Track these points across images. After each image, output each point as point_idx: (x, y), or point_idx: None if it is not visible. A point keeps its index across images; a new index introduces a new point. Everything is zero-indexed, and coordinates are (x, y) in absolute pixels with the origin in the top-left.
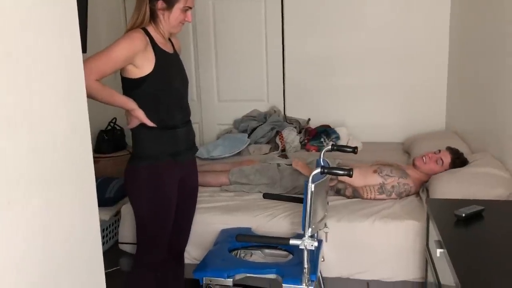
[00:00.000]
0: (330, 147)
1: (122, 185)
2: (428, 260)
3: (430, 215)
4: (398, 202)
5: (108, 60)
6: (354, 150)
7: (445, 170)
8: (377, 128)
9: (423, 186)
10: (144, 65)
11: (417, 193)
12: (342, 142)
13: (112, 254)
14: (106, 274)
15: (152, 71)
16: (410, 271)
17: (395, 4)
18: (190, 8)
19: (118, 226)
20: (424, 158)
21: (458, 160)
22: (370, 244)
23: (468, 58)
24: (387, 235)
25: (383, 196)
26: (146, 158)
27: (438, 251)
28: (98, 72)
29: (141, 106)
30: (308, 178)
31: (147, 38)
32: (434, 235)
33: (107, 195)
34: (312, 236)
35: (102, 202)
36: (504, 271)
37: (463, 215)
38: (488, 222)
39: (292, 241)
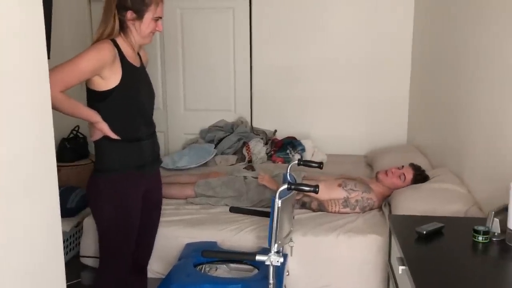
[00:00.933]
0: (296, 162)
1: (84, 195)
2: (390, 275)
3: (393, 231)
4: (362, 216)
5: (74, 71)
6: (320, 165)
7: (407, 185)
8: (341, 141)
9: (385, 201)
10: (110, 78)
11: (379, 207)
12: (307, 154)
13: (72, 266)
14: (67, 287)
15: (118, 84)
16: (373, 286)
17: (360, 19)
18: (160, 17)
19: (79, 237)
20: (387, 173)
21: (420, 176)
22: (335, 258)
23: (430, 74)
24: (351, 249)
25: (347, 209)
26: (109, 170)
27: (400, 268)
28: (63, 83)
29: (105, 118)
30: (275, 193)
31: (116, 50)
32: (396, 251)
33: (69, 205)
34: (278, 252)
35: (64, 212)
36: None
37: (424, 232)
38: (448, 238)
39: (258, 257)
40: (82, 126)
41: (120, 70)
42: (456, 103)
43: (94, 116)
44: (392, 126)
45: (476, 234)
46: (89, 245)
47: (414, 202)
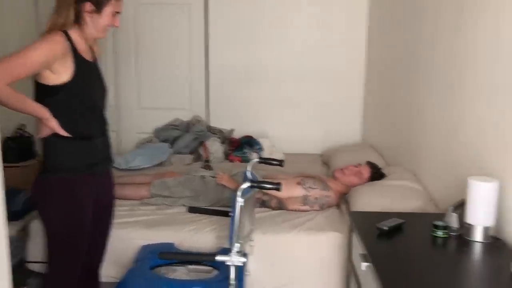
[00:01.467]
0: (257, 159)
1: (29, 197)
2: (351, 273)
3: (354, 228)
4: (320, 214)
5: (23, 64)
6: (281, 163)
7: (364, 183)
8: (297, 140)
9: (343, 198)
10: (61, 72)
11: (337, 205)
12: (265, 153)
13: (18, 272)
14: None
15: (70, 79)
16: (332, 284)
17: (316, 20)
18: (119, 12)
19: (25, 242)
20: (344, 171)
21: (377, 174)
22: (295, 256)
23: (383, 74)
24: (311, 247)
25: (307, 207)
26: (59, 170)
27: (364, 264)
28: (10, 75)
29: (55, 114)
30: (236, 192)
31: (68, 43)
32: (358, 248)
33: (14, 208)
34: (239, 252)
35: (8, 215)
36: (426, 284)
37: (386, 228)
38: (408, 234)
39: (218, 258)
40: (28, 124)
41: (72, 64)
42: (410, 103)
43: (42, 111)
44: (347, 125)
45: (435, 229)
46: (36, 250)
47: (372, 199)
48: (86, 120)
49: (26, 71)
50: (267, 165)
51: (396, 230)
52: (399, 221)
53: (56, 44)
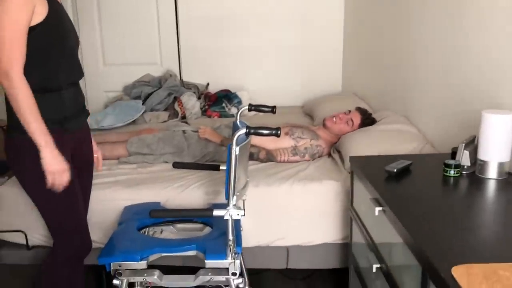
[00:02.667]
0: (247, 107)
1: None
2: (354, 220)
3: (359, 172)
4: (312, 164)
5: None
6: (273, 109)
7: (355, 130)
8: (276, 92)
9: (333, 147)
10: (38, 12)
11: (328, 154)
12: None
13: None
14: None
15: (43, 20)
16: (330, 233)
17: None
18: None
19: None
20: (334, 119)
21: (368, 120)
22: (289, 208)
23: (365, 15)
24: (306, 197)
25: (297, 157)
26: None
27: (377, 209)
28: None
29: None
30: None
31: None
32: (363, 193)
33: None
34: (235, 205)
35: None
36: (445, 223)
37: (395, 170)
38: (418, 175)
39: (216, 212)
40: None
41: (46, 3)
42: (398, 43)
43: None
44: (327, 74)
45: (447, 169)
46: (6, 217)
47: (366, 146)
48: (56, 69)
49: (23, 38)
50: (249, 118)
51: (403, 172)
52: (406, 162)
53: None
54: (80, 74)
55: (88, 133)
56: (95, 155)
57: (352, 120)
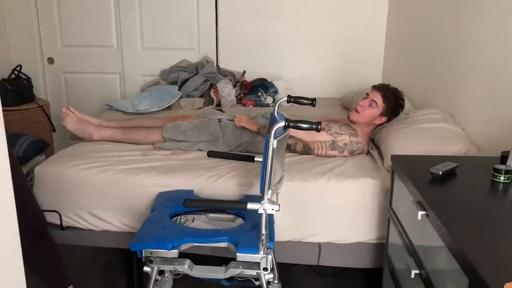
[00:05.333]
0: (286, 98)
1: (32, 142)
2: (392, 221)
3: (402, 173)
4: (350, 160)
5: None
6: (313, 102)
7: (383, 109)
8: (313, 83)
9: (371, 144)
10: None
11: (368, 152)
12: (280, 96)
13: None
14: None
15: None
16: (365, 233)
17: None
18: None
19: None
20: (357, 109)
21: (389, 93)
22: (323, 204)
23: (407, 14)
24: (342, 194)
25: (335, 152)
26: None
27: (420, 213)
28: None
29: None
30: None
31: None
32: (404, 194)
33: (15, 154)
34: (270, 199)
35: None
36: (495, 232)
37: (440, 173)
38: (464, 179)
39: (250, 206)
40: (25, 64)
41: None
42: (446, 37)
43: None
44: (367, 67)
45: (497, 174)
46: (44, 196)
47: (408, 145)
48: None
49: None
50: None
51: (449, 175)
52: (453, 165)
53: None
54: None
55: None
56: None
57: (374, 101)
